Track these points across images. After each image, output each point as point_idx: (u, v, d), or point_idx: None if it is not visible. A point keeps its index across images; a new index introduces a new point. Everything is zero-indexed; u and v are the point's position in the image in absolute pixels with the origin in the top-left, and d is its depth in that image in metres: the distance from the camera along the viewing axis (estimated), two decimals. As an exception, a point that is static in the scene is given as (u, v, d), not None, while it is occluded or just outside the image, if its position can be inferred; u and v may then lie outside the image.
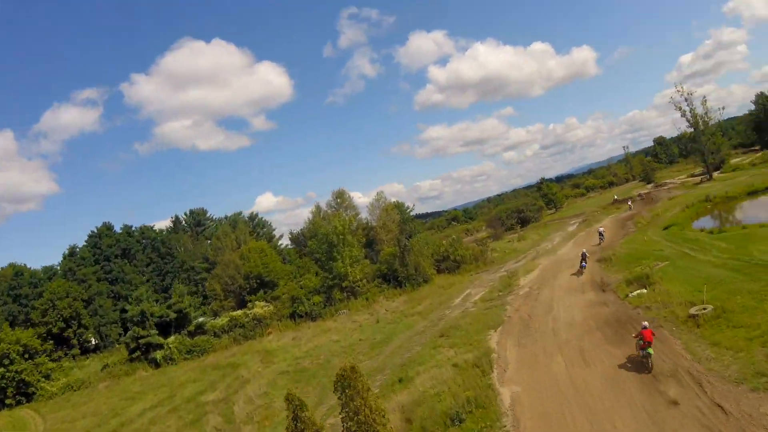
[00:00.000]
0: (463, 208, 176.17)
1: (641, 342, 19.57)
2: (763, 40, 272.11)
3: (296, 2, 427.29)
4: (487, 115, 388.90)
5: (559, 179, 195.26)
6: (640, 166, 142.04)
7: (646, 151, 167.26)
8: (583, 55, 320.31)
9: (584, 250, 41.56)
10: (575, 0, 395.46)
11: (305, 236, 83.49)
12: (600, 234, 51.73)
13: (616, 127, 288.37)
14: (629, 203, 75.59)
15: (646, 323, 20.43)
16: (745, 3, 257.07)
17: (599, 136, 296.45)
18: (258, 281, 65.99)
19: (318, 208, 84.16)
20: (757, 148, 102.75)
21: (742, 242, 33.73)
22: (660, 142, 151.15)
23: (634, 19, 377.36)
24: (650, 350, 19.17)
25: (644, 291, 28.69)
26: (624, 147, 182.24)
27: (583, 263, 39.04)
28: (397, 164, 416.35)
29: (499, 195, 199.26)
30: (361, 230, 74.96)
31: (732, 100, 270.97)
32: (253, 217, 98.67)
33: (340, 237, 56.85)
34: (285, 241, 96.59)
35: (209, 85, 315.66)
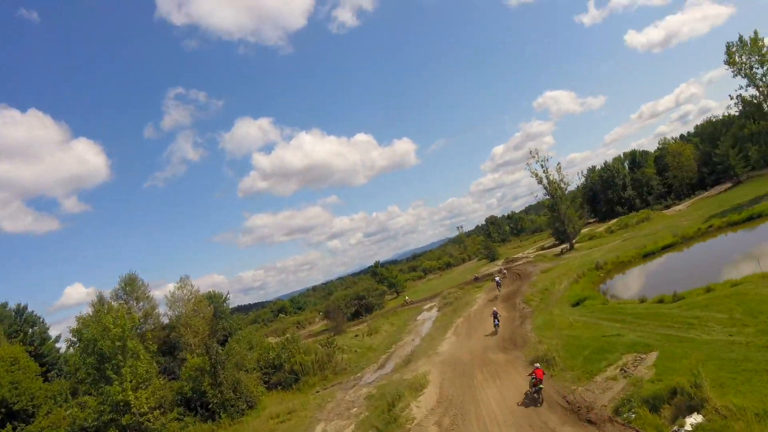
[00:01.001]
0: (289, 297, 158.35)
1: (534, 380, 21.07)
2: (566, 130, 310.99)
3: (120, 76, 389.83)
4: (312, 203, 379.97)
5: (383, 265, 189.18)
6: (475, 245, 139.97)
7: (470, 233, 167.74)
8: (404, 147, 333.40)
9: (495, 308, 38.56)
10: (394, 95, 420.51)
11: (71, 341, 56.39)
12: (497, 283, 53.90)
13: (435, 213, 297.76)
14: (501, 273, 65.51)
15: (537, 364, 22.13)
16: (553, 98, 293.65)
17: (420, 222, 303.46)
18: (4, 409, 40.29)
19: (101, 298, 57.56)
20: (592, 220, 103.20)
21: (743, 307, 21.86)
22: (492, 221, 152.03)
23: (452, 114, 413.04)
24: (541, 386, 20.78)
25: (699, 419, 14.02)
26: (458, 227, 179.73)
27: (496, 321, 36.01)
28: (220, 254, 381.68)
29: (324, 283, 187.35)
30: (151, 332, 52.10)
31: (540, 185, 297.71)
32: (20, 310, 67.24)
33: (117, 344, 34.81)
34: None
35: (20, 159, 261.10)
